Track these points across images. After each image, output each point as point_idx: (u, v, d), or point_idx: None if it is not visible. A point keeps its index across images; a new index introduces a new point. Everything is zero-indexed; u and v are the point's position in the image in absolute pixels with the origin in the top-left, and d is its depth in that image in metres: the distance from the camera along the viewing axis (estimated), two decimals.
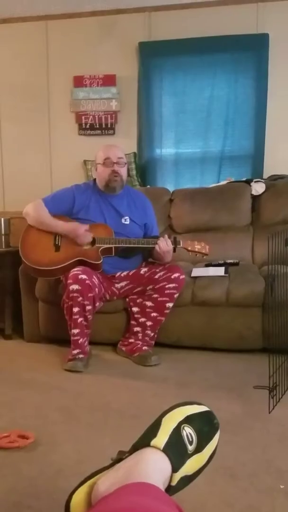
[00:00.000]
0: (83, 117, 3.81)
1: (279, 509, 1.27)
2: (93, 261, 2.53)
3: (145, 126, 3.71)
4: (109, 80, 3.76)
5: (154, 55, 3.67)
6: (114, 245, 2.56)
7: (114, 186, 2.63)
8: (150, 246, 2.56)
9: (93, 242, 2.58)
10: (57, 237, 2.60)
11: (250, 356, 2.60)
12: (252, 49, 3.55)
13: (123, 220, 2.68)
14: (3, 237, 3.33)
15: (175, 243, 2.57)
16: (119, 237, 2.59)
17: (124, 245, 2.58)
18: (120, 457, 0.85)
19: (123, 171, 2.64)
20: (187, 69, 3.66)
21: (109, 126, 3.81)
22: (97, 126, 3.81)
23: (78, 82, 3.79)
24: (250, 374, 2.32)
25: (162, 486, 0.76)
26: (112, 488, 0.74)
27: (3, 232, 3.33)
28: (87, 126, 3.82)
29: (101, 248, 2.56)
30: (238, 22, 3.56)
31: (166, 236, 2.59)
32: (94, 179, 2.75)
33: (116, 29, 3.74)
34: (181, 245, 2.59)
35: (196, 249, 2.60)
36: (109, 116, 3.79)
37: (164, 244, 2.52)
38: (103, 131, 3.81)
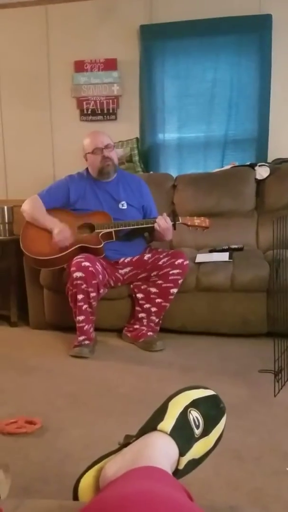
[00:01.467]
0: (84, 103, 3.76)
1: (285, 491, 1.28)
2: (94, 245, 2.54)
3: (147, 111, 3.67)
4: (110, 65, 3.70)
5: (156, 38, 3.60)
6: (113, 229, 2.57)
7: (108, 171, 2.65)
8: (149, 225, 2.55)
9: (92, 229, 2.57)
10: None
11: (255, 341, 2.60)
12: (255, 30, 3.48)
13: (120, 205, 2.68)
14: (6, 225, 3.33)
15: (174, 219, 2.56)
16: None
17: (123, 228, 2.58)
18: (127, 441, 0.85)
19: (113, 155, 2.66)
20: (189, 51, 3.60)
21: (110, 111, 3.76)
22: (99, 112, 3.77)
23: (79, 67, 3.74)
24: (255, 358, 2.33)
25: (169, 470, 0.77)
26: (119, 472, 0.74)
27: (6, 220, 3.33)
28: (89, 112, 3.78)
29: (101, 233, 2.56)
30: (240, 2, 3.48)
31: (164, 214, 2.58)
32: (87, 168, 2.74)
33: (117, 12, 3.68)
34: (180, 221, 2.59)
35: (196, 223, 2.60)
36: (110, 101, 3.74)
37: (163, 222, 2.52)
38: (105, 116, 3.77)
